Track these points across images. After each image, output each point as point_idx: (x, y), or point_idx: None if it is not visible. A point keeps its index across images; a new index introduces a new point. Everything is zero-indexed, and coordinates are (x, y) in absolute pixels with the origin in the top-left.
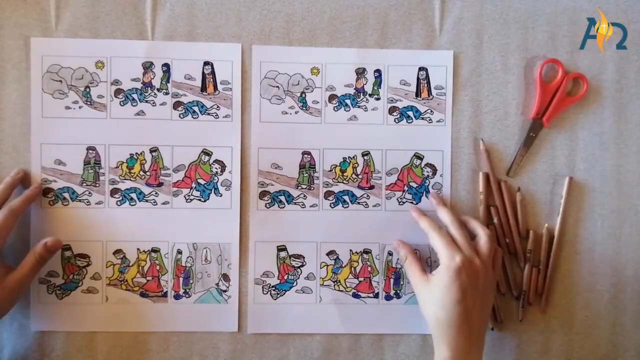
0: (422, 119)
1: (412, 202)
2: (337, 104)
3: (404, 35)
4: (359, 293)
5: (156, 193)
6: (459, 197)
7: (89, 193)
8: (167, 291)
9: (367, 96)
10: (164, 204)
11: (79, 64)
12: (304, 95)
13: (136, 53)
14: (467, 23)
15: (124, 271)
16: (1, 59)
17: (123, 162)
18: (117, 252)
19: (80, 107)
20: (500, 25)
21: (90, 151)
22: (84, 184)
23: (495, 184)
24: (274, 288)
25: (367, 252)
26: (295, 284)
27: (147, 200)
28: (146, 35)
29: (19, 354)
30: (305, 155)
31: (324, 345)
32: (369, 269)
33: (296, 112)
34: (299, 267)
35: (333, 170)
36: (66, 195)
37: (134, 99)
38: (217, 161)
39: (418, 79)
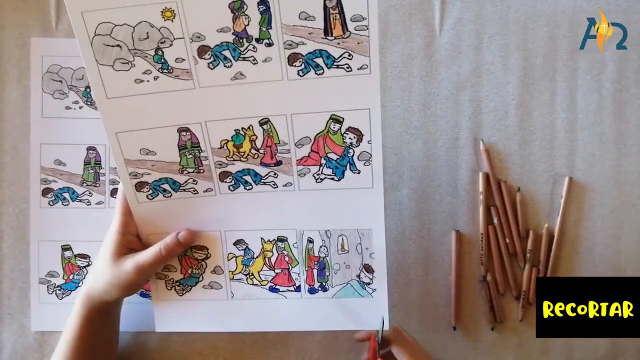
0: (338, 66)
1: (333, 179)
2: (212, 59)
3: (404, 36)
4: (277, 287)
5: None
6: (459, 197)
7: (89, 193)
8: None
9: (254, 42)
10: None
11: (79, 64)
12: (160, 53)
13: None
14: (467, 23)
15: None
16: (1, 58)
17: None
18: None
19: (80, 107)
20: (500, 25)
21: (91, 151)
22: (84, 184)
23: (495, 184)
24: (178, 283)
25: (282, 239)
26: (201, 278)
27: None
28: None
29: (19, 354)
30: (184, 133)
31: (324, 345)
32: (287, 259)
33: (155, 78)
34: (202, 260)
35: (225, 147)
36: (66, 195)
37: None
38: None
39: (325, 7)
